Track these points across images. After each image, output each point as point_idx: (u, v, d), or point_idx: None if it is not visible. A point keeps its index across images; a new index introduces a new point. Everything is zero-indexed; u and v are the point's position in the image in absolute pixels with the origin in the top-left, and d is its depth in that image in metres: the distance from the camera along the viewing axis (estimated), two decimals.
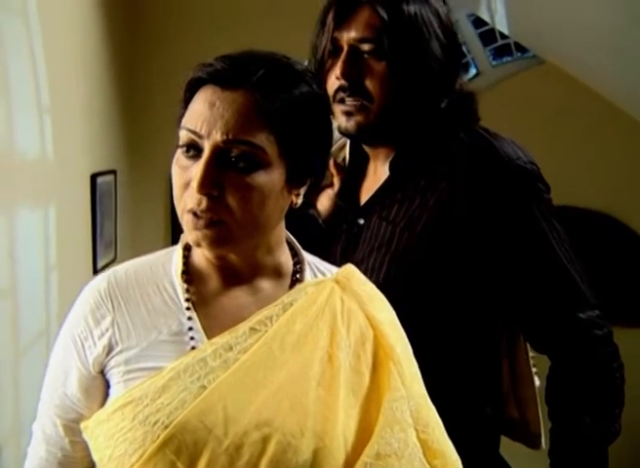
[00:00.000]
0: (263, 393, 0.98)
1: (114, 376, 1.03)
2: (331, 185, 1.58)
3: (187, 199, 0.99)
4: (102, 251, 2.86)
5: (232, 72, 0.98)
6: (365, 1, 1.37)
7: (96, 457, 1.02)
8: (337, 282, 1.10)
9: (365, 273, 1.17)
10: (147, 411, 0.96)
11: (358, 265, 1.38)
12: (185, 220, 1.01)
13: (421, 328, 1.35)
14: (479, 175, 1.38)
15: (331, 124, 1.09)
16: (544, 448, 1.50)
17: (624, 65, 3.03)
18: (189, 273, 1.08)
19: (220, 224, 0.99)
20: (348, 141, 1.56)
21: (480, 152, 1.39)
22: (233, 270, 1.06)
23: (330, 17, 1.39)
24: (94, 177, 2.76)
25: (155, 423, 0.95)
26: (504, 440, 1.55)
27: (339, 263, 1.18)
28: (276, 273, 1.09)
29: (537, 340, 1.46)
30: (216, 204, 0.98)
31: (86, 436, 1.03)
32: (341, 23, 1.38)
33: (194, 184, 0.97)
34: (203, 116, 0.98)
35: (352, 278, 1.12)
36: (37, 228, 2.20)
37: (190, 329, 1.03)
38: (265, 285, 1.08)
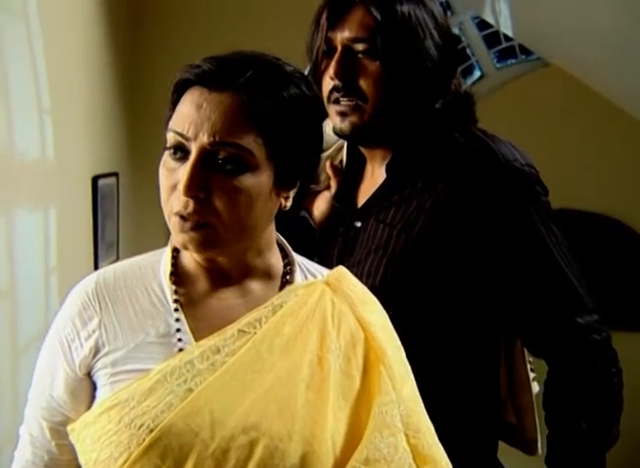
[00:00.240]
0: (251, 396, 0.97)
1: (101, 378, 1.02)
2: (328, 188, 1.58)
3: (174, 201, 0.98)
4: (104, 253, 2.86)
5: (220, 73, 0.97)
6: (358, 1, 1.37)
7: (82, 460, 1.00)
8: (327, 284, 1.09)
9: (362, 276, 1.16)
10: (133, 414, 0.95)
11: (355, 268, 1.37)
12: (172, 223, 1.00)
13: (418, 331, 1.34)
14: (476, 178, 1.37)
15: (321, 126, 1.07)
16: (541, 454, 1.48)
17: (628, 67, 3.02)
18: (178, 275, 1.07)
19: (206, 227, 0.98)
20: (346, 143, 1.55)
21: (477, 154, 1.38)
22: (222, 272, 1.05)
23: (324, 17, 1.39)
24: (95, 180, 2.75)
25: (141, 426, 0.94)
26: (502, 445, 1.54)
27: (335, 266, 1.17)
28: (266, 275, 1.08)
29: (534, 345, 1.45)
30: (202, 206, 0.97)
31: (72, 439, 1.02)
32: (335, 23, 1.38)
33: (181, 187, 0.96)
34: (190, 118, 0.97)
35: (343, 280, 1.11)
36: (37, 230, 2.20)
37: (178, 330, 1.02)
38: (255, 286, 1.06)
